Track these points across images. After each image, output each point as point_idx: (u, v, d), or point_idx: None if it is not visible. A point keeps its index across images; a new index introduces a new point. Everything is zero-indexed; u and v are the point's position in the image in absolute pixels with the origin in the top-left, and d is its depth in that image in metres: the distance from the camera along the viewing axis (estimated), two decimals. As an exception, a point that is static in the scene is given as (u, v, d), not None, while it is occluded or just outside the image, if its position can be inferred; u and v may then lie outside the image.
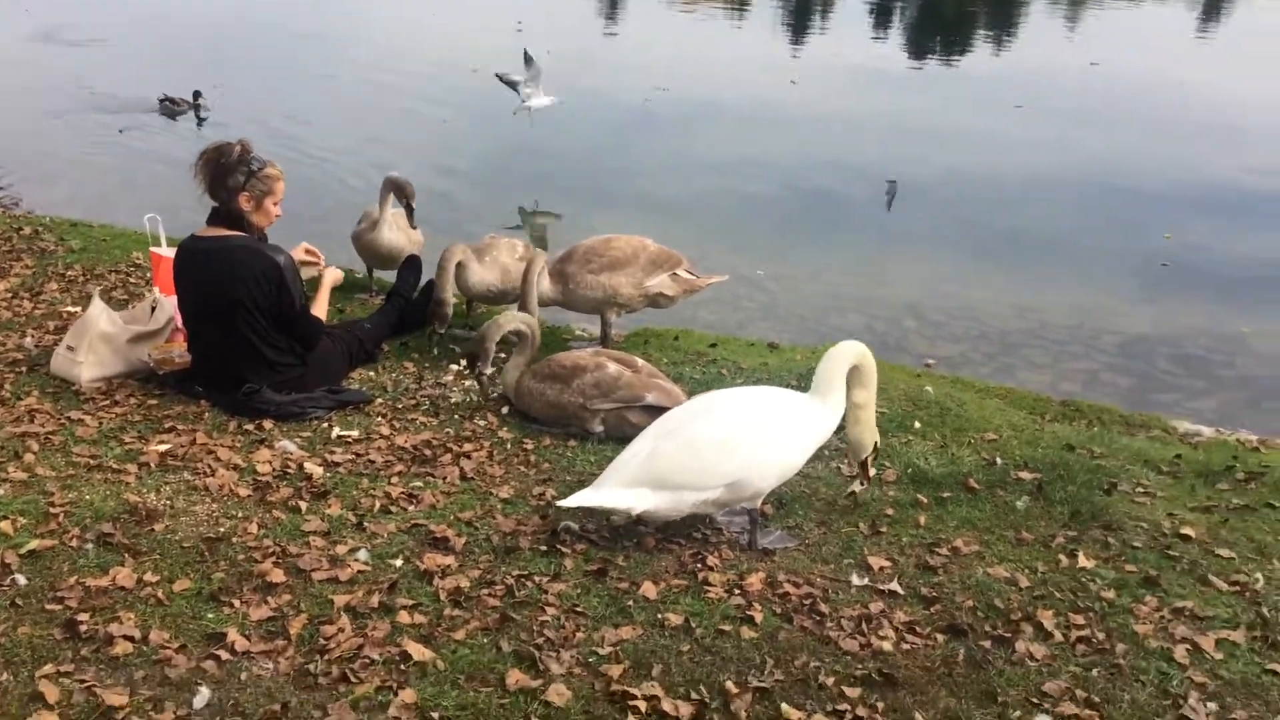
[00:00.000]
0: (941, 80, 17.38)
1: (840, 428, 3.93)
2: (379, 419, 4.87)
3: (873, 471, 4.03)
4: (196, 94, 12.29)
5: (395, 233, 6.51)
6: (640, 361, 5.06)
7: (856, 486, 4.09)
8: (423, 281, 6.32)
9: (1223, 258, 9.07)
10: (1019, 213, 10.36)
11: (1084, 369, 6.74)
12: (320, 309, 5.23)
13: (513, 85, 10.81)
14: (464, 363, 5.69)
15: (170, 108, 12.34)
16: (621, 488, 3.74)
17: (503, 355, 5.37)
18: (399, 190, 6.37)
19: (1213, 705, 3.06)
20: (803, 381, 5.46)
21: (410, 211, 6.43)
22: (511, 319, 5.18)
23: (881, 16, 24.65)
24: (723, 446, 3.72)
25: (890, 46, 20.84)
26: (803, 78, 16.49)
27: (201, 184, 4.84)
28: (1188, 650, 3.31)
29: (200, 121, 12.26)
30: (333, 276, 5.50)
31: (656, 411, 4.69)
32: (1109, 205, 10.68)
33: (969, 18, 24.17)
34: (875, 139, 13.29)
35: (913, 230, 9.82)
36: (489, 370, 5.13)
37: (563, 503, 3.71)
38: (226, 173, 4.77)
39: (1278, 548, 4.04)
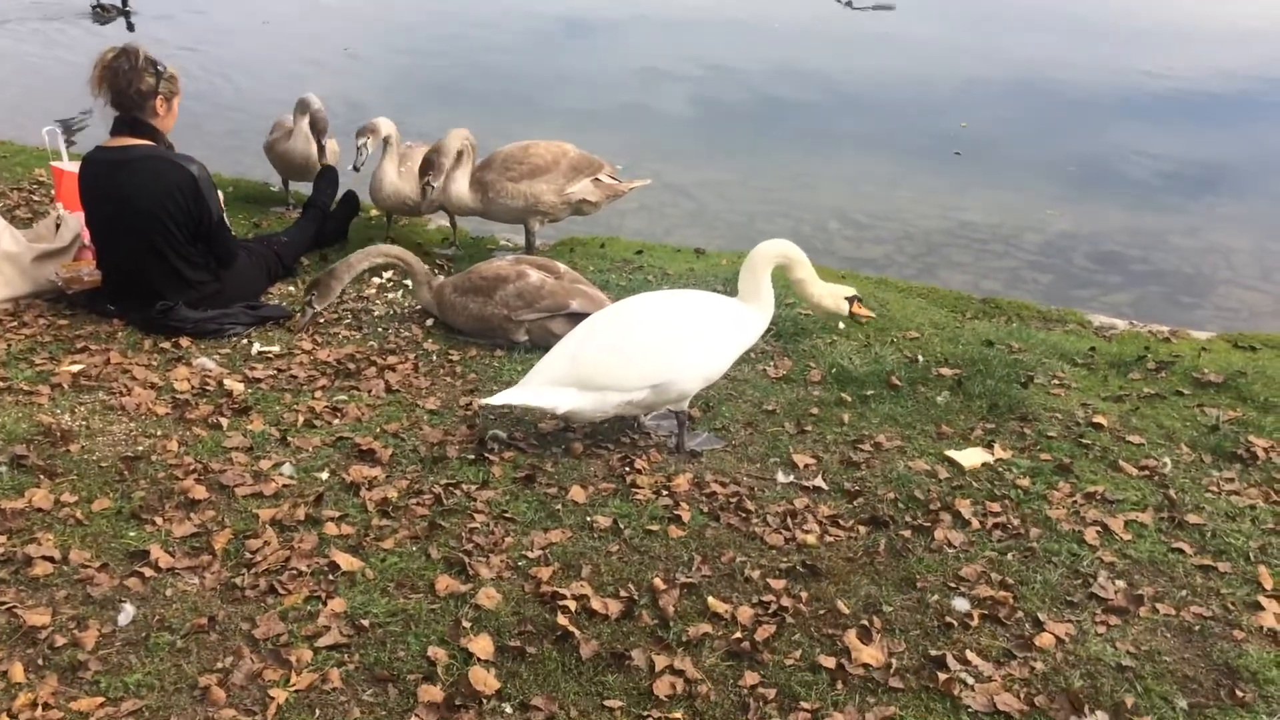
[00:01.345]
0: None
1: (773, 329, 3.94)
2: (300, 334, 4.79)
3: (866, 312, 4.04)
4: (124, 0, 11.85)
5: (309, 143, 6.31)
6: (563, 267, 5.01)
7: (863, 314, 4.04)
8: (339, 193, 6.17)
9: (1137, 158, 9.23)
10: (944, 116, 10.37)
11: (1005, 267, 6.85)
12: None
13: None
14: (387, 275, 5.61)
15: (101, 14, 11.83)
16: (547, 387, 3.71)
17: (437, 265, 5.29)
18: (312, 123, 6.14)
19: (1121, 583, 3.19)
20: (729, 286, 5.47)
21: (321, 150, 6.18)
22: (368, 254, 4.99)
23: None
24: (646, 348, 3.72)
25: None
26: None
27: (104, 93, 4.62)
28: (1098, 532, 3.45)
29: (130, 26, 11.75)
30: None
31: (582, 319, 4.69)
32: (1028, 108, 10.78)
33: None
34: (803, 44, 13.17)
35: (840, 135, 9.80)
36: (320, 306, 4.91)
37: (487, 400, 3.70)
38: (135, 77, 4.56)
39: (1185, 433, 4.19)
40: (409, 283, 5.48)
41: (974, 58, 12.82)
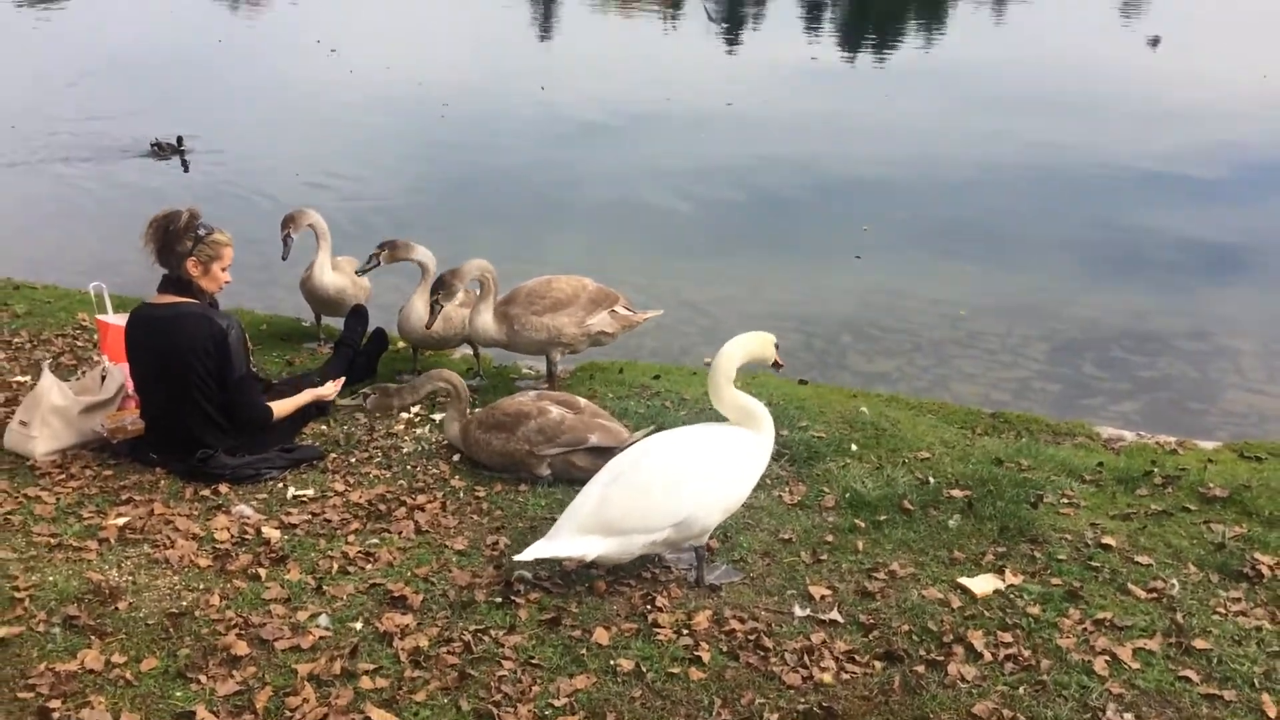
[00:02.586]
0: (871, 78, 17.72)
1: (786, 454, 4.12)
2: (333, 475, 4.99)
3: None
4: (179, 138, 12.46)
5: (333, 275, 6.61)
6: (583, 402, 5.22)
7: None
8: (370, 329, 6.45)
9: (1143, 246, 9.50)
10: (949, 209, 10.80)
11: (1014, 378, 7.01)
12: (283, 406, 5.21)
13: None
14: (415, 410, 5.84)
15: (159, 153, 12.44)
16: (574, 536, 3.89)
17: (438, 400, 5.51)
18: (285, 222, 6.48)
19: (1129, 716, 3.28)
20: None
21: (285, 243, 6.46)
22: (429, 380, 5.36)
23: (812, 14, 25.00)
24: (668, 488, 3.89)
25: (822, 45, 21.15)
26: (735, 80, 16.79)
27: (151, 251, 4.93)
28: (1107, 662, 3.54)
29: (185, 165, 12.34)
30: (312, 394, 5.44)
31: (601, 452, 4.88)
32: (1027, 198, 11.11)
33: (898, 15, 24.61)
34: (801, 141, 13.62)
35: (844, 236, 10.09)
36: (372, 409, 5.50)
37: (519, 556, 3.87)
38: (175, 240, 4.87)
39: (1192, 551, 4.30)
40: (436, 417, 5.71)
41: (976, 140, 13.27)
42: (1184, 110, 14.49)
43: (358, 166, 12.62)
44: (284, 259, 6.47)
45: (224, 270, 5.00)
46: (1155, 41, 18.12)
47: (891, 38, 21.26)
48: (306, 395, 5.38)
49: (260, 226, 10.23)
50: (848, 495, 4.78)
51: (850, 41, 21.21)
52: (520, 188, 12.01)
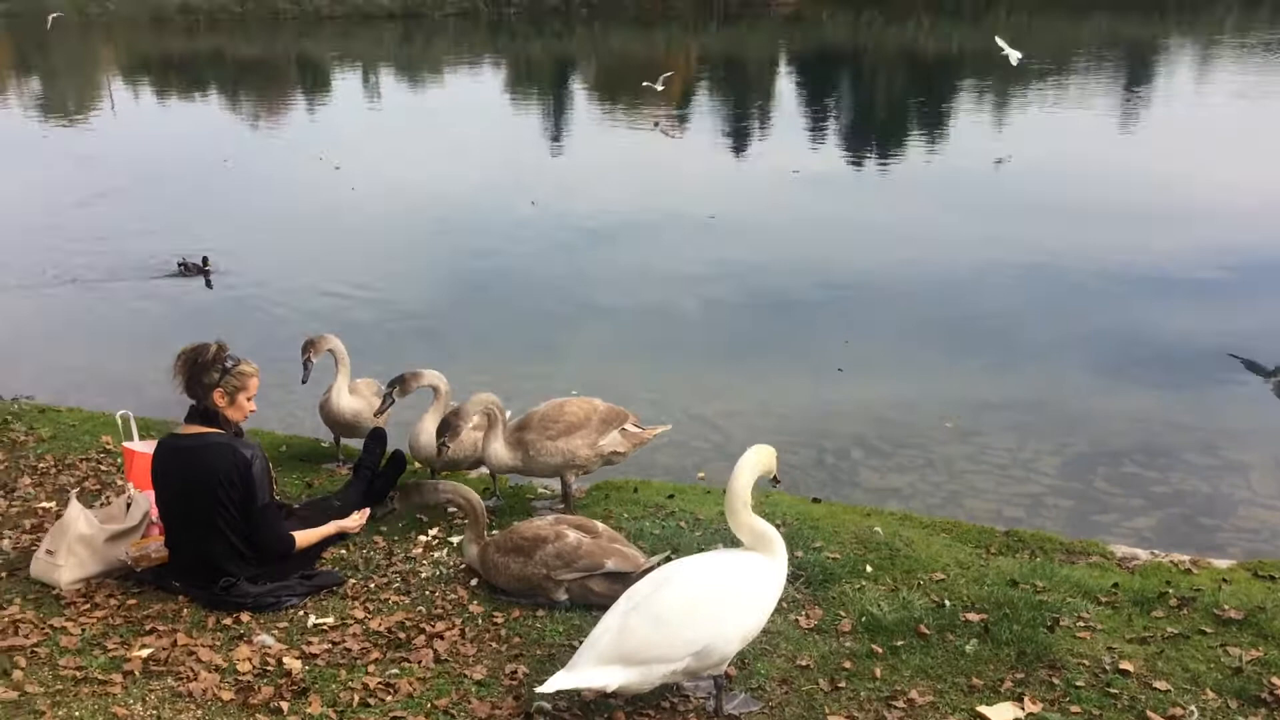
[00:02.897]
0: (872, 185, 18.11)
1: (802, 575, 4.16)
2: (353, 601, 5.05)
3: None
4: (205, 258, 12.83)
5: (350, 399, 6.77)
6: (600, 526, 5.28)
7: None
8: (388, 451, 6.56)
9: (1142, 351, 9.65)
10: (953, 314, 11.03)
11: (1027, 492, 7.06)
12: (307, 537, 5.30)
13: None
14: (433, 533, 5.91)
15: (185, 272, 12.79)
16: (594, 667, 3.93)
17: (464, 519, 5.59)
18: (305, 347, 6.68)
19: None
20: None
21: (305, 367, 6.66)
22: (451, 491, 5.44)
23: (817, 123, 25.67)
24: (687, 618, 3.93)
25: (822, 153, 21.69)
26: (737, 188, 17.23)
27: (179, 383, 5.09)
28: (1128, 794, 3.53)
29: (209, 284, 12.66)
30: (337, 526, 5.52)
31: (618, 577, 4.94)
32: (1030, 302, 11.32)
33: (899, 122, 25.24)
34: (802, 248, 13.95)
35: (849, 346, 10.23)
36: (400, 508, 5.60)
37: (541, 688, 3.89)
38: (202, 372, 5.03)
39: (1209, 676, 4.30)
40: (454, 540, 5.78)
41: (974, 245, 13.57)
42: (1179, 212, 14.80)
43: (370, 280, 12.92)
44: (303, 382, 6.66)
45: (249, 400, 5.14)
46: (999, 161, 18.71)
47: (892, 147, 21.80)
48: (331, 527, 5.47)
49: (280, 345, 10.46)
50: (864, 619, 4.80)
51: (851, 151, 21.77)
52: (525, 297, 12.33)
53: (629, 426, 6.33)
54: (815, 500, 6.43)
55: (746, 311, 11.51)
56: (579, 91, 35.77)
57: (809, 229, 14.97)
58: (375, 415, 6.56)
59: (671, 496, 6.39)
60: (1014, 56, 19.60)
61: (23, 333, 11.71)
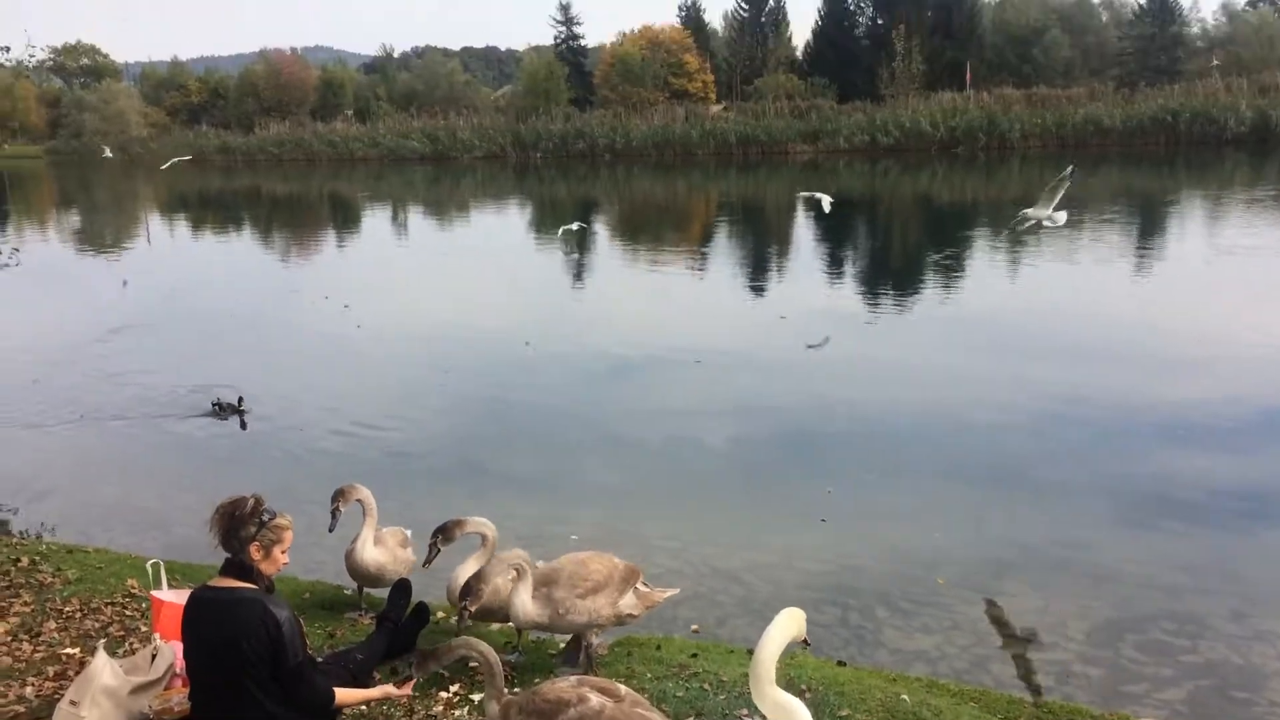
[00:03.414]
0: (894, 325, 18.36)
1: None
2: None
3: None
4: (239, 399, 13.09)
5: (374, 552, 6.81)
6: (623, 689, 5.23)
7: None
8: (412, 602, 6.56)
9: (1163, 502, 9.62)
10: (974, 463, 11.03)
11: (1054, 660, 6.95)
12: (347, 695, 5.29)
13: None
14: (454, 689, 5.87)
15: (220, 413, 13.03)
16: None
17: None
18: (335, 497, 6.75)
19: None
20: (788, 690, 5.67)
21: (333, 516, 6.72)
22: (467, 644, 5.32)
23: (834, 266, 26.17)
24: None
25: (842, 293, 22.07)
26: (756, 328, 17.50)
27: (215, 536, 5.16)
28: None
29: (244, 425, 12.87)
30: (383, 691, 5.48)
31: (643, 743, 4.88)
32: (1048, 448, 11.35)
33: (916, 265, 25.71)
34: (823, 390, 14.08)
35: (871, 498, 10.26)
36: (420, 676, 5.38)
37: None
38: (239, 525, 5.11)
39: None
40: (475, 698, 5.74)
41: (998, 389, 13.68)
42: (1198, 359, 14.92)
43: (392, 419, 13.08)
44: (330, 531, 6.71)
45: (283, 553, 5.20)
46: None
47: (910, 288, 22.20)
48: (377, 691, 5.45)
49: (304, 488, 10.57)
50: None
51: (870, 291, 22.16)
52: (541, 436, 12.48)
53: (640, 586, 6.36)
54: (840, 664, 6.37)
55: (766, 456, 11.58)
56: (600, 231, 36.68)
57: (826, 371, 15.16)
58: (424, 565, 6.49)
59: (695, 655, 6.35)
60: (826, 203, 21.46)
61: (52, 467, 11.85)
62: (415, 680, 5.56)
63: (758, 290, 22.99)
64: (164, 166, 17.09)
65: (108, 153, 69.64)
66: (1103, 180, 45.99)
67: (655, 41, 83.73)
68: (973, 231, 31.26)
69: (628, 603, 6.21)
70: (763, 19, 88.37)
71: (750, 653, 6.40)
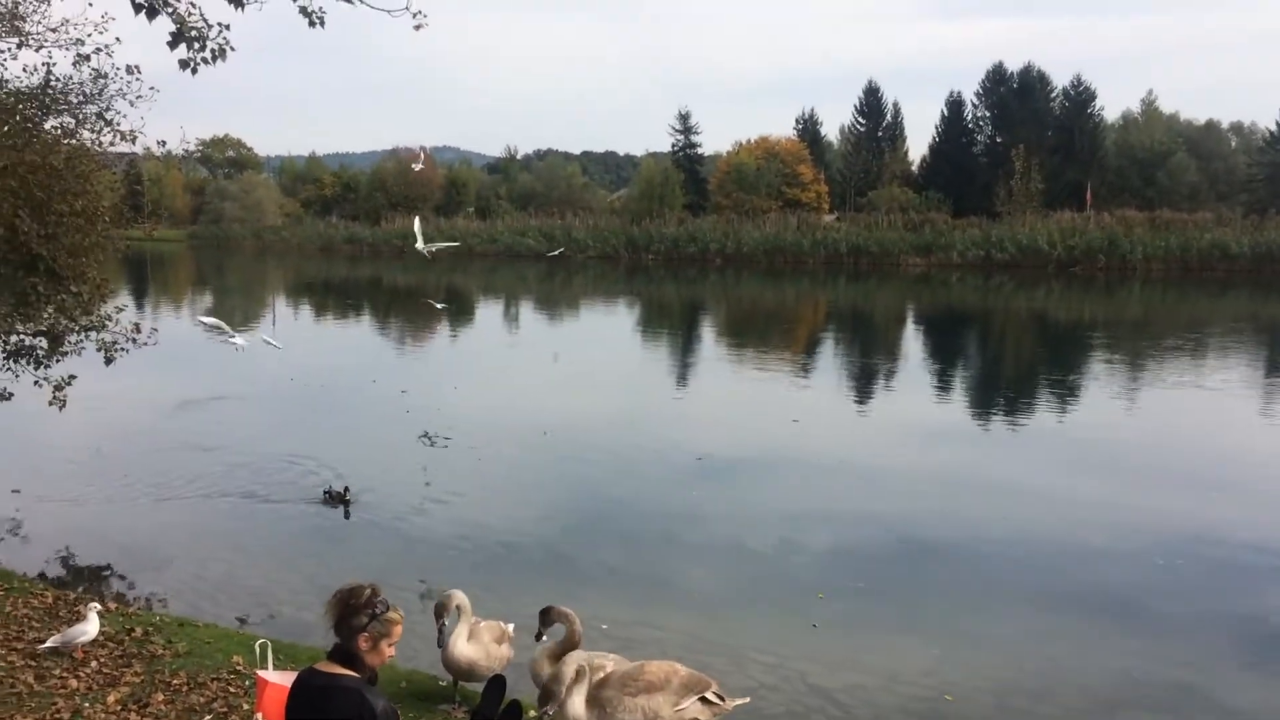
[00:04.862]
0: (998, 442, 17.94)
1: None
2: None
3: None
4: (346, 489, 13.55)
5: (468, 648, 6.89)
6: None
7: None
8: (507, 698, 6.58)
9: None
10: (1085, 592, 10.61)
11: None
12: None
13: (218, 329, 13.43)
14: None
15: (330, 501, 13.49)
16: None
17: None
18: (437, 612, 6.96)
19: None
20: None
21: (440, 631, 6.96)
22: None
23: (943, 379, 25.74)
24: None
25: (948, 407, 21.66)
26: (854, 434, 17.28)
27: (328, 621, 5.29)
28: None
29: (347, 514, 13.27)
30: None
31: None
32: (1163, 578, 10.86)
33: (1029, 382, 25.13)
34: (937, 499, 13.79)
35: (983, 619, 9.94)
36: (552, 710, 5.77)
37: None
38: (352, 614, 5.23)
39: None
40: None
41: (1107, 512, 13.21)
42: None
43: (492, 513, 13.25)
44: (439, 645, 6.85)
45: (391, 646, 5.30)
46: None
47: (1021, 405, 21.69)
48: None
49: (405, 576, 10.75)
50: None
51: (980, 406, 21.75)
52: (640, 534, 12.56)
53: (710, 696, 6.27)
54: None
55: (868, 568, 11.32)
56: (706, 332, 36.95)
57: (933, 485, 14.83)
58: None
59: (789, 776, 6.19)
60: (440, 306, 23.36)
61: (169, 539, 12.29)
62: None
63: (863, 399, 22.78)
64: (430, 249, 18.63)
65: (244, 238, 73.31)
66: (1230, 305, 44.62)
67: (771, 152, 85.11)
68: (1089, 352, 30.50)
69: (691, 709, 6.13)
70: (880, 133, 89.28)
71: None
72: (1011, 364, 29.40)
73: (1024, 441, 18.11)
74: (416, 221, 22.40)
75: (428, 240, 16.87)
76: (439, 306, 28.57)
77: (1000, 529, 12.64)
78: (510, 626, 7.45)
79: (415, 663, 8.37)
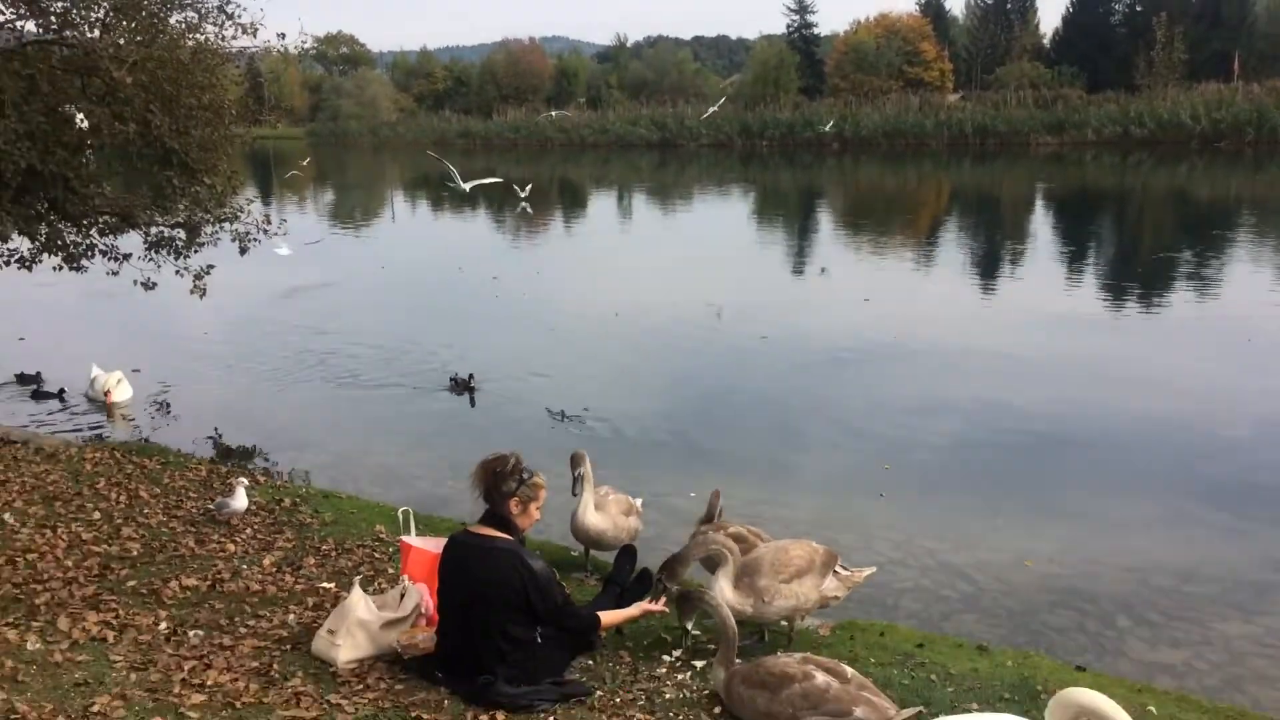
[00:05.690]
0: (1135, 327, 17.22)
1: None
2: (599, 714, 5.13)
3: None
4: (470, 375, 13.85)
5: (596, 517, 7.00)
6: (849, 670, 5.16)
7: None
8: (638, 568, 6.70)
9: None
10: (1232, 475, 10.24)
11: (1323, 687, 6.36)
12: (611, 617, 5.77)
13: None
14: (676, 654, 5.94)
15: (455, 388, 13.83)
16: None
17: (711, 645, 5.60)
18: (575, 461, 6.98)
19: None
20: (1014, 693, 5.44)
21: (577, 480, 6.96)
22: (713, 541, 5.85)
23: (1075, 262, 24.72)
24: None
25: (1081, 293, 20.81)
26: (982, 321, 16.78)
27: (477, 489, 5.47)
28: None
29: (473, 402, 13.60)
30: (641, 608, 5.84)
31: (867, 726, 4.81)
32: None
33: (1168, 264, 23.92)
34: (1053, 387, 13.45)
35: (1121, 500, 9.66)
36: (672, 585, 5.87)
37: None
38: (501, 480, 5.40)
39: None
40: (696, 664, 5.79)
41: (1255, 400, 12.73)
42: None
43: (616, 398, 13.35)
44: (574, 494, 6.94)
45: (537, 509, 5.49)
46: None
47: (1160, 289, 20.67)
48: (635, 609, 5.83)
49: (533, 458, 10.96)
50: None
51: (1115, 291, 20.80)
52: (757, 419, 12.53)
53: (839, 569, 6.23)
54: (1079, 668, 6.04)
55: (1000, 455, 11.10)
56: (823, 219, 36.18)
57: (1065, 371, 14.36)
58: (650, 602, 6.44)
59: (921, 646, 6.17)
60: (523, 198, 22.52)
61: (307, 422, 12.84)
62: (667, 592, 5.84)
63: (989, 285, 22.08)
64: (468, 186, 19.94)
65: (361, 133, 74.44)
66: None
67: (892, 29, 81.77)
68: (1235, 233, 28.82)
69: (830, 586, 6.11)
70: (1008, 5, 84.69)
71: (979, 648, 6.19)
72: (1149, 247, 27.99)
73: (1163, 330, 17.32)
74: (452, 169, 22.70)
75: (465, 180, 17.03)
76: (522, 194, 28.87)
77: (1138, 419, 12.14)
78: (638, 501, 7.55)
79: (547, 534, 8.57)
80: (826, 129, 66.03)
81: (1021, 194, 42.84)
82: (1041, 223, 33.99)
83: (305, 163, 47.60)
